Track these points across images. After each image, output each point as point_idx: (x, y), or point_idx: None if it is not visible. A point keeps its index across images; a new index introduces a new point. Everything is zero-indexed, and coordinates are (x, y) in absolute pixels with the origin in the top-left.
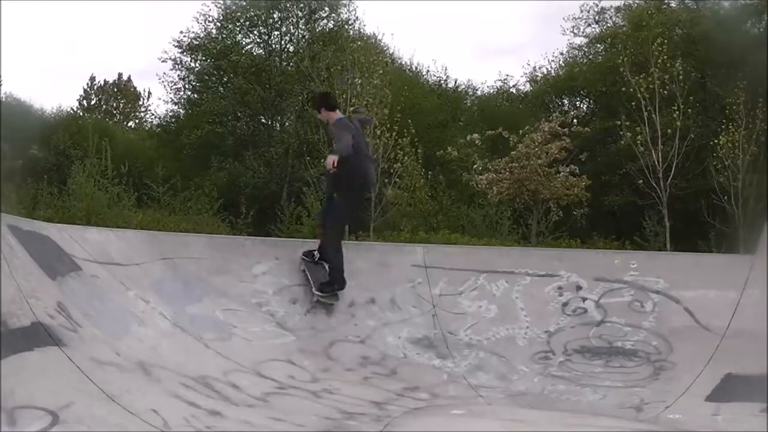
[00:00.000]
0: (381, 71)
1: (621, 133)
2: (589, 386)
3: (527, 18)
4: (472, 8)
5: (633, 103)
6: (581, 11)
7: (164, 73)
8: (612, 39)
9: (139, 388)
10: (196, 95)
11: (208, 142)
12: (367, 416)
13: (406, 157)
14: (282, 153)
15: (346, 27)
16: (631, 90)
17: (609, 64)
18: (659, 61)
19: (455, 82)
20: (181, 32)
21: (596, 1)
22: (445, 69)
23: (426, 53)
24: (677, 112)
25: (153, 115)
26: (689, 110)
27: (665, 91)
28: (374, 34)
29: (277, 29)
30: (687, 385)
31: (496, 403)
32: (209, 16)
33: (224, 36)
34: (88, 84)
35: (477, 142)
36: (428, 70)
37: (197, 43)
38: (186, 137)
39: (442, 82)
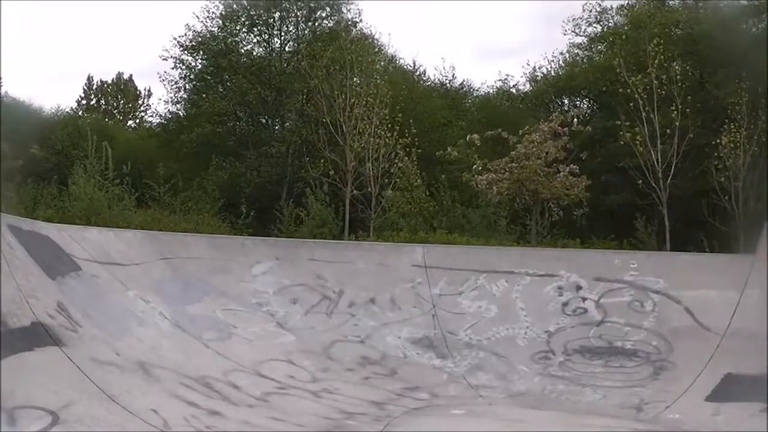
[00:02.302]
0: (381, 70)
1: (621, 133)
2: (589, 386)
3: (528, 19)
4: (472, 9)
5: (631, 104)
6: (583, 10)
7: (165, 72)
8: (612, 38)
9: (139, 388)
10: (196, 96)
11: (208, 142)
12: (367, 416)
13: (406, 158)
14: (283, 151)
15: (348, 27)
16: (629, 91)
17: (608, 63)
18: (656, 61)
19: (461, 82)
20: (186, 25)
21: (599, 1)
22: (453, 68)
23: (427, 54)
24: (675, 113)
25: (153, 114)
26: (687, 110)
27: (663, 92)
28: (372, 33)
29: (277, 28)
30: (687, 385)
31: (496, 403)
32: (212, 13)
33: (225, 35)
34: (86, 84)
35: (477, 142)
36: (425, 71)
37: (199, 41)
38: (185, 137)
39: (448, 81)
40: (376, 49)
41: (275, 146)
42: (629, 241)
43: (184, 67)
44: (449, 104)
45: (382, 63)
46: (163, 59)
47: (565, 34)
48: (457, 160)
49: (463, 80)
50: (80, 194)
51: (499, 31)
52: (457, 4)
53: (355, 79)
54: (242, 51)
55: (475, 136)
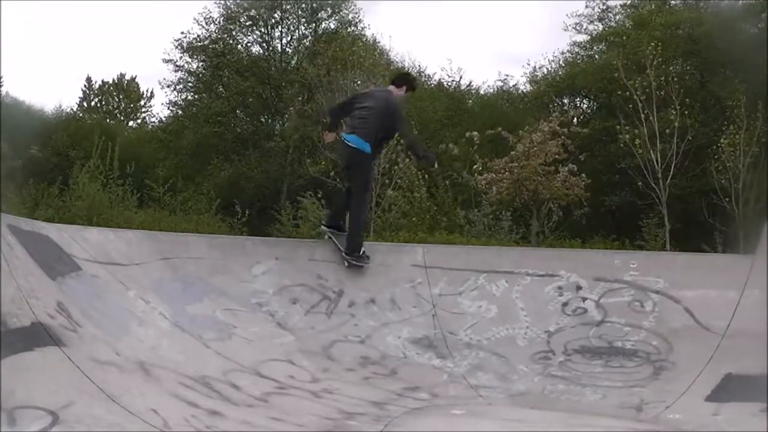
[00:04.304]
0: (383, 70)
1: (620, 136)
2: (589, 386)
3: (540, 30)
4: (479, 17)
5: (630, 106)
6: (586, 7)
7: (164, 78)
8: (612, 38)
9: (139, 388)
10: (196, 96)
11: (208, 142)
12: (367, 416)
13: (407, 159)
14: (282, 149)
15: (350, 28)
16: (628, 93)
17: (608, 64)
18: (655, 63)
19: (469, 83)
20: (182, 33)
21: (603, 0)
22: (460, 70)
23: (430, 56)
24: (674, 114)
25: (154, 116)
26: (686, 112)
27: (662, 93)
28: (374, 35)
29: (277, 28)
30: (687, 385)
31: (496, 403)
32: (210, 17)
33: (225, 36)
34: (85, 85)
35: (476, 139)
36: (432, 74)
37: (198, 44)
38: (186, 138)
39: (453, 83)
40: (378, 52)
41: (275, 141)
42: (631, 241)
43: (184, 70)
44: (452, 105)
45: (384, 64)
46: (166, 61)
47: (566, 30)
48: (456, 159)
49: (465, 81)
50: (82, 194)
51: (511, 42)
52: (464, 12)
53: (357, 81)
54: (242, 51)
55: (475, 133)
